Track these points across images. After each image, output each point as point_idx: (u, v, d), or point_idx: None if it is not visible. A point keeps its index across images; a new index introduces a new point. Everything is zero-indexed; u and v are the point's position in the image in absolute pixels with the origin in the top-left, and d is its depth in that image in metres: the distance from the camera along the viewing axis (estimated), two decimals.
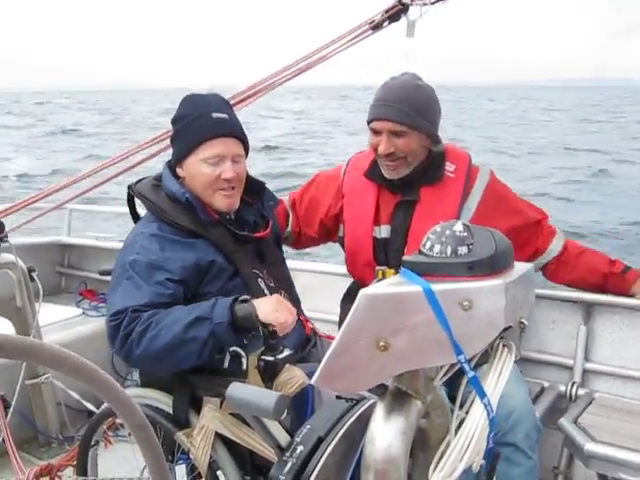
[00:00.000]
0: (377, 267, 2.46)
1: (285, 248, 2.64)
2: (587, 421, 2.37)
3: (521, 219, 2.47)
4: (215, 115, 2.14)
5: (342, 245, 2.63)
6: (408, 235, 2.39)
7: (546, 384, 2.73)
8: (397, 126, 2.31)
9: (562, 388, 2.68)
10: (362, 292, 1.05)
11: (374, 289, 1.06)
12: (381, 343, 1.04)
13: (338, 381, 1.10)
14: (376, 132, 2.36)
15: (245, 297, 1.92)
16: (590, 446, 2.21)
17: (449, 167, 2.43)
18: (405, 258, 1.10)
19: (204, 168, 2.11)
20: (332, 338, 2.43)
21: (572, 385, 2.65)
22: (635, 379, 2.62)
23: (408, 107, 2.29)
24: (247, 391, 1.18)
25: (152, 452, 1.17)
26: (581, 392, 2.64)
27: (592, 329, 2.71)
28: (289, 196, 2.77)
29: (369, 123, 2.38)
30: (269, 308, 1.90)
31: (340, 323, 2.69)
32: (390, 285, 1.06)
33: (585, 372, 2.71)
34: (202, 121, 2.12)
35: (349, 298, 2.67)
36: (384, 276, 2.44)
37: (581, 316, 2.71)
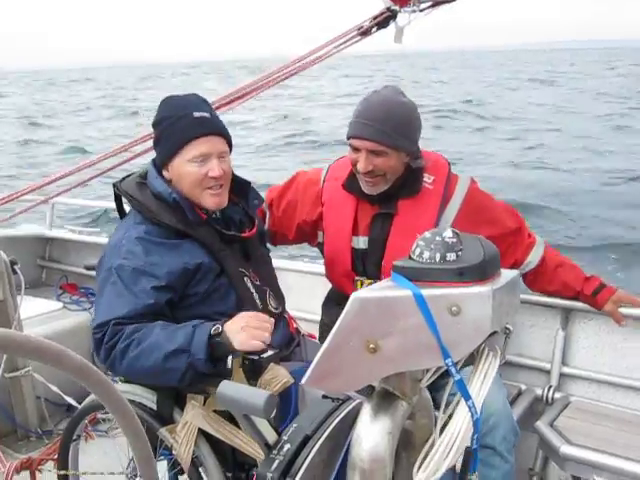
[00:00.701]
0: (356, 277, 2.46)
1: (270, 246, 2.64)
2: (563, 424, 2.42)
3: (499, 229, 2.46)
4: (196, 114, 2.13)
5: (322, 251, 2.63)
6: (386, 247, 2.39)
7: (523, 387, 2.77)
8: (376, 146, 2.27)
9: (539, 391, 2.73)
10: (354, 295, 1.08)
11: (365, 292, 1.08)
12: (371, 345, 1.07)
13: (328, 382, 1.12)
14: (355, 149, 2.33)
15: (218, 327, 1.89)
16: (565, 449, 2.26)
17: (427, 179, 2.41)
18: (396, 263, 1.12)
19: (191, 167, 2.10)
20: (315, 337, 2.48)
21: (549, 389, 2.70)
22: (610, 384, 2.67)
23: (388, 127, 2.25)
24: (237, 389, 1.20)
25: (139, 443, 1.19)
26: (557, 395, 2.69)
27: (570, 334, 2.76)
28: (266, 195, 2.73)
29: (348, 139, 2.36)
30: (242, 336, 1.84)
31: (322, 326, 2.71)
32: (381, 289, 1.09)
33: (562, 376, 2.76)
34: (184, 122, 2.11)
35: (330, 302, 2.69)
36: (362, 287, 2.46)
37: (559, 321, 2.76)
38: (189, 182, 2.12)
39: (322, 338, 2.71)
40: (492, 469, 2.24)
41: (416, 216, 2.36)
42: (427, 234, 1.12)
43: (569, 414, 2.52)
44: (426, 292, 1.04)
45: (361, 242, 2.46)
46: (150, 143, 2.60)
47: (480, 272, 1.06)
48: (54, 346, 0.98)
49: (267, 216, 2.72)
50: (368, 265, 2.45)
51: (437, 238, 1.10)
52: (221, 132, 2.17)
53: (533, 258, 2.54)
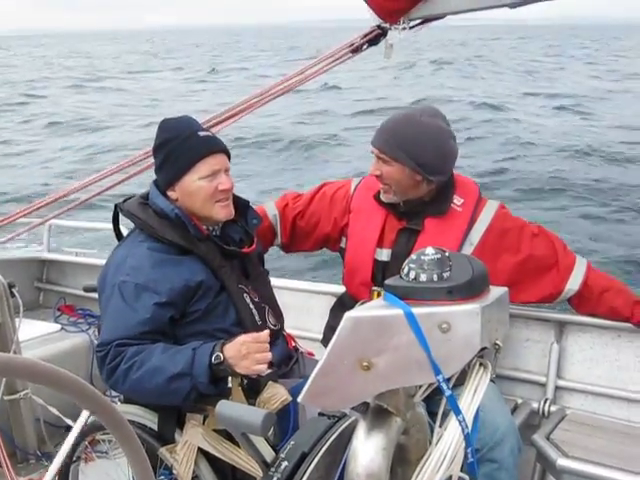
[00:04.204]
0: (374, 288, 2.49)
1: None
2: (559, 437, 2.44)
3: (523, 255, 2.46)
4: (202, 134, 2.23)
5: (342, 256, 2.67)
6: None
7: (520, 401, 2.79)
8: (379, 152, 2.41)
9: (535, 405, 2.74)
10: (347, 315, 1.11)
11: (358, 312, 1.12)
12: (364, 363, 1.10)
13: (324, 399, 1.15)
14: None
15: (219, 355, 1.93)
16: (562, 461, 2.28)
17: (457, 200, 2.47)
18: (387, 282, 1.16)
19: (202, 183, 2.17)
20: (312, 355, 2.50)
21: (545, 402, 2.72)
22: (605, 396, 2.69)
23: (393, 138, 2.37)
24: (235, 408, 1.23)
25: (140, 465, 1.21)
26: (553, 409, 2.71)
27: (564, 347, 2.79)
28: (277, 209, 2.76)
29: None
30: (245, 363, 1.90)
31: (326, 329, 2.74)
32: (373, 308, 1.12)
33: (557, 389, 2.77)
34: (192, 141, 2.19)
35: (340, 307, 2.70)
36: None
37: (554, 335, 2.78)
38: (202, 197, 2.18)
39: (325, 340, 2.75)
40: None
41: (441, 235, 2.39)
42: (413, 256, 1.15)
43: (565, 427, 2.54)
44: (417, 310, 1.07)
45: (384, 254, 2.50)
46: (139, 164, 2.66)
47: (468, 290, 1.09)
48: (50, 368, 1.00)
49: (278, 231, 2.75)
50: (387, 277, 2.47)
51: (422, 257, 1.14)
52: (225, 150, 2.26)
53: (572, 285, 2.49)
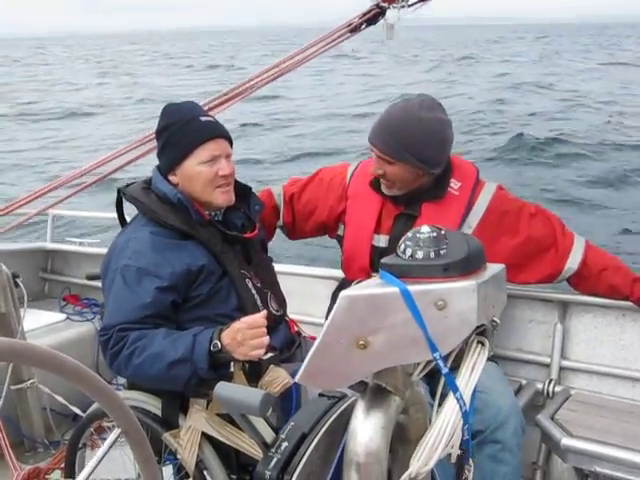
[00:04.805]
0: (372, 274, 2.46)
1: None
2: (564, 417, 2.44)
3: (522, 237, 2.45)
4: (203, 119, 2.22)
5: (340, 244, 2.66)
6: None
7: (524, 382, 2.79)
8: (382, 154, 2.37)
9: (539, 385, 2.75)
10: (342, 293, 1.11)
11: (354, 290, 1.11)
12: (360, 342, 1.09)
13: (320, 379, 1.15)
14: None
15: (217, 343, 1.93)
16: (567, 441, 2.28)
17: (454, 184, 2.45)
18: (383, 261, 1.15)
19: (202, 168, 2.17)
20: (315, 339, 2.50)
21: (549, 382, 2.72)
22: (610, 375, 2.69)
23: (395, 140, 2.32)
24: (233, 390, 1.23)
25: (143, 455, 1.22)
26: (558, 389, 2.71)
27: (568, 327, 2.78)
28: (285, 188, 2.77)
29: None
30: (243, 349, 1.90)
31: (328, 315, 2.73)
32: (369, 287, 1.12)
33: (562, 369, 2.78)
34: (193, 125, 2.19)
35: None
36: None
37: (557, 315, 2.78)
38: (202, 182, 2.18)
39: None
40: (502, 464, 2.25)
41: (438, 220, 2.29)
42: (409, 233, 1.15)
43: (570, 406, 2.54)
44: (413, 288, 1.07)
45: (382, 240, 2.50)
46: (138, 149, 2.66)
47: (464, 267, 1.08)
48: (53, 353, 1.00)
49: (281, 210, 2.75)
50: None
51: (418, 235, 1.13)
52: (227, 135, 2.25)
53: (571, 264, 2.48)
